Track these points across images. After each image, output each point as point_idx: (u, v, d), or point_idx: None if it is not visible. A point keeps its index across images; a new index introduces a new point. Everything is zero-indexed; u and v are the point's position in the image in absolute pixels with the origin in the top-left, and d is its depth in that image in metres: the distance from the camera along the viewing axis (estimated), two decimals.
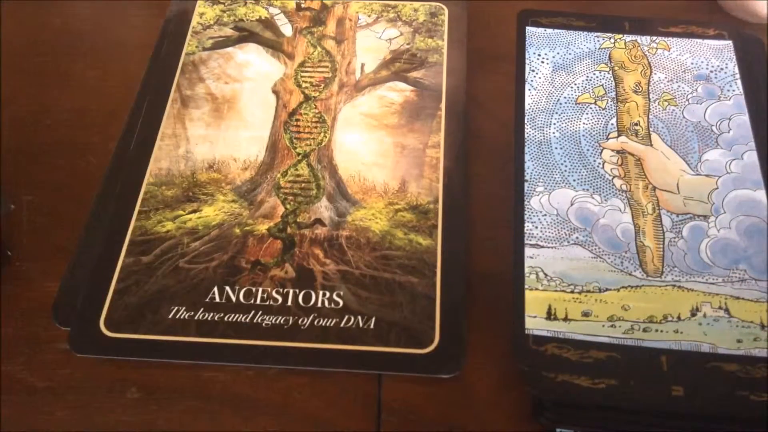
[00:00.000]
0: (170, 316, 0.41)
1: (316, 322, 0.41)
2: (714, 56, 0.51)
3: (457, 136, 0.49)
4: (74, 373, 0.41)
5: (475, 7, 0.58)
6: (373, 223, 0.45)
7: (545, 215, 0.44)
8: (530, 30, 0.53)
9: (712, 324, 0.40)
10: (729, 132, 0.48)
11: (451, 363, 0.40)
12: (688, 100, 0.49)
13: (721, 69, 0.51)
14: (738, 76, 0.50)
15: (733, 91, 0.49)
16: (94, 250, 0.44)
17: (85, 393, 0.41)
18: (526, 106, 0.49)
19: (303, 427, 0.40)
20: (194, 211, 0.46)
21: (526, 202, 0.44)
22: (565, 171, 0.46)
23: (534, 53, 0.52)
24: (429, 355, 0.40)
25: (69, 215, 0.47)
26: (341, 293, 0.42)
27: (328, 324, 0.41)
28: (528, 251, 0.42)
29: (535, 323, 0.40)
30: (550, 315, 0.40)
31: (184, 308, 0.42)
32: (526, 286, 0.41)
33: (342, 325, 0.41)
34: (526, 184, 0.45)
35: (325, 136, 0.49)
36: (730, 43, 0.52)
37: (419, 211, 0.46)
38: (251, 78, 0.53)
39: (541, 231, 0.43)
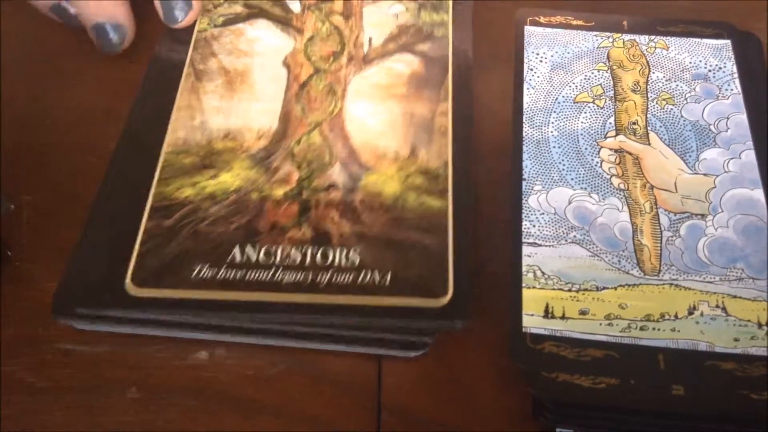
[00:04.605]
0: (193, 276, 0.42)
1: (333, 279, 0.42)
2: (712, 55, 0.51)
3: (464, 104, 0.50)
4: (74, 373, 0.41)
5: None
6: (385, 187, 0.46)
7: (543, 214, 0.44)
8: (528, 29, 0.53)
9: (709, 322, 0.40)
10: (727, 131, 0.48)
11: (462, 313, 0.41)
12: (686, 99, 0.49)
13: (720, 68, 0.51)
14: (736, 75, 0.50)
15: (732, 90, 0.50)
16: (104, 231, 0.45)
17: (85, 393, 0.41)
18: (524, 105, 0.49)
19: (303, 427, 0.40)
20: (212, 177, 0.47)
21: (523, 201, 0.45)
22: (563, 170, 0.46)
23: (532, 52, 0.52)
24: (444, 307, 0.41)
25: (69, 215, 0.47)
26: (358, 251, 0.43)
27: (345, 280, 0.42)
28: (525, 249, 0.43)
29: (532, 321, 0.40)
30: (548, 313, 0.40)
31: (207, 265, 0.43)
32: (523, 285, 0.41)
33: (359, 281, 0.42)
34: (524, 183, 0.45)
35: (336, 106, 0.51)
36: (728, 42, 0.52)
37: (430, 175, 0.47)
38: (262, 53, 0.54)
39: (539, 229, 0.43)
